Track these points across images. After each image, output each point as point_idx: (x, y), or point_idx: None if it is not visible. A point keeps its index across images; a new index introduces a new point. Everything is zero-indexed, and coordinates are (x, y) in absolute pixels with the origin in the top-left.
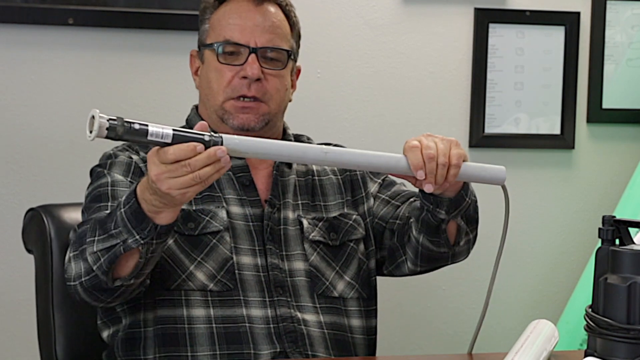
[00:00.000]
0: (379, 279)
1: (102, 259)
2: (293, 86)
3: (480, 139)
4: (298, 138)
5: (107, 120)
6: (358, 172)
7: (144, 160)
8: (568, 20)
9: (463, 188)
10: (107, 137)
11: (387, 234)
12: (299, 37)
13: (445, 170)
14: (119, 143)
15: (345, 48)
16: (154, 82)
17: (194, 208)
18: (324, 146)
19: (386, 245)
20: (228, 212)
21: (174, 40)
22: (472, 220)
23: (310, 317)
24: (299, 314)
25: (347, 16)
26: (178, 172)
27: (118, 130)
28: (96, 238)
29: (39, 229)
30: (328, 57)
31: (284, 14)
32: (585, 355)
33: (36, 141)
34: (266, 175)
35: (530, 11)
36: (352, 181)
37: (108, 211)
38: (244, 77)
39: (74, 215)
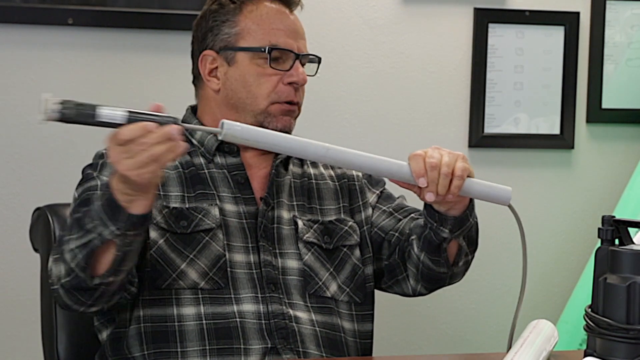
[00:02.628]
0: None
1: (79, 255)
2: None
3: (479, 139)
4: None
5: (59, 104)
6: (356, 181)
7: None
8: (568, 20)
9: (468, 208)
10: (58, 120)
11: (386, 245)
12: None
13: (448, 182)
14: None
15: (345, 48)
16: (153, 82)
17: (187, 206)
18: (326, 143)
19: (384, 257)
20: (221, 210)
21: (174, 40)
22: (472, 241)
23: (302, 314)
24: (290, 311)
25: (346, 16)
26: (132, 151)
27: (69, 113)
28: (73, 236)
29: (45, 228)
30: (328, 57)
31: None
32: (585, 355)
33: (36, 141)
34: (263, 175)
35: (530, 11)
36: (349, 189)
37: None
38: (290, 83)
39: None
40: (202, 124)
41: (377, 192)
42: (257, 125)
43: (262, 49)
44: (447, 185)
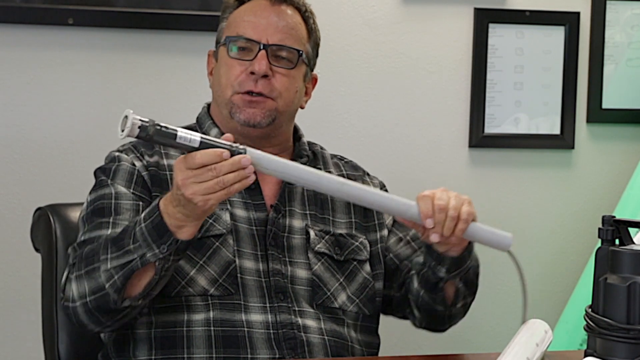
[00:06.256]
0: None
1: (116, 276)
2: (307, 94)
3: (480, 139)
4: (311, 147)
5: (140, 120)
6: None
7: (147, 167)
8: (568, 20)
9: (467, 249)
10: (137, 137)
11: (398, 274)
12: (317, 45)
13: (454, 224)
14: (124, 142)
15: (345, 48)
16: (154, 82)
17: None
18: (341, 178)
19: (395, 286)
20: (232, 215)
21: (174, 40)
22: (471, 284)
23: (311, 322)
24: (299, 320)
25: (346, 16)
26: (203, 176)
27: (149, 131)
28: (110, 255)
29: (46, 228)
30: (328, 57)
31: (302, 19)
32: (585, 355)
33: (36, 141)
34: (274, 181)
35: (530, 11)
36: (365, 207)
37: (109, 226)
38: (252, 73)
39: None
40: (214, 122)
41: None
42: (227, 117)
43: (227, 40)
44: (452, 228)
